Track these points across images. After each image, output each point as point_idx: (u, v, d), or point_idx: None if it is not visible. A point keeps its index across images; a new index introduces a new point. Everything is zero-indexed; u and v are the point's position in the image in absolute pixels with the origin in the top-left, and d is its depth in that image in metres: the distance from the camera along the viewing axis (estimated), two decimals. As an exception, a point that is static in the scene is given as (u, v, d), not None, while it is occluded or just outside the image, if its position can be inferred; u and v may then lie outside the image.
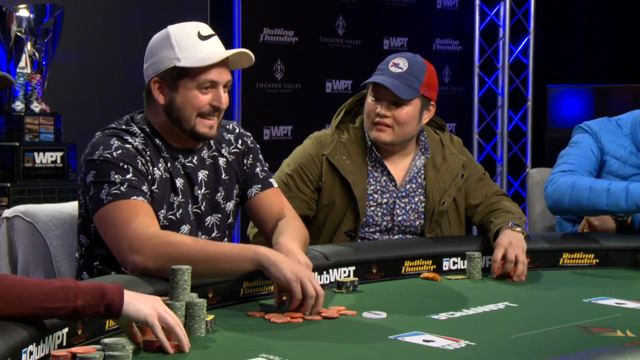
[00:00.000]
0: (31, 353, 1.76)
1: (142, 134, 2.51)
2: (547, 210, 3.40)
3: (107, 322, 2.02)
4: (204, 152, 2.60)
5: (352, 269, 2.73)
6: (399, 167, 3.17)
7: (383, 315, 2.32)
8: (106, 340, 1.81)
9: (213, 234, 2.59)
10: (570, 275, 3.01)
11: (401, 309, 2.45)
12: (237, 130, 2.71)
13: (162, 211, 2.47)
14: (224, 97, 2.50)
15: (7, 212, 2.76)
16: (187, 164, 2.55)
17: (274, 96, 6.12)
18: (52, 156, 4.99)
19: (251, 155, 2.69)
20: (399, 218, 3.14)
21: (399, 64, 3.06)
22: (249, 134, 2.73)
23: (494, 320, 2.34)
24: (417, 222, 3.17)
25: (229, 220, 2.64)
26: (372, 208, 3.13)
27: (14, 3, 5.16)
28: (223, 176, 2.62)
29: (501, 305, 2.49)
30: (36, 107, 5.04)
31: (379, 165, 3.15)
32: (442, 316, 2.33)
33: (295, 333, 2.15)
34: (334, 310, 2.32)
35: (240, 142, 2.69)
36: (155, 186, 2.46)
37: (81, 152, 2.50)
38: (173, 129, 2.52)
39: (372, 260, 2.79)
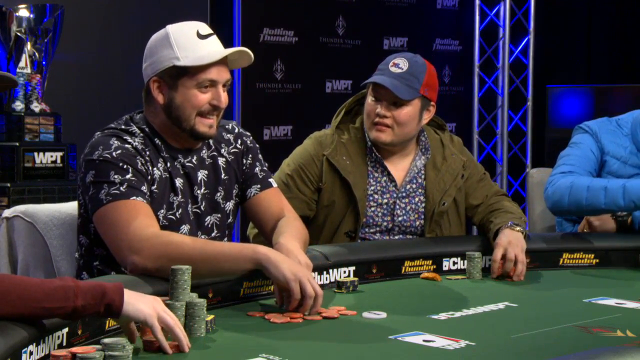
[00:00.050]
0: (31, 353, 1.76)
1: (141, 134, 2.51)
2: (547, 210, 3.40)
3: (107, 322, 2.02)
4: (204, 152, 2.60)
5: (352, 269, 2.73)
6: (399, 168, 3.17)
7: (383, 315, 2.32)
8: (106, 340, 1.81)
9: (213, 234, 2.59)
10: (570, 275, 3.01)
11: (401, 309, 2.45)
12: (236, 130, 2.70)
13: (162, 211, 2.47)
14: (224, 96, 2.50)
15: (7, 212, 2.76)
16: (187, 164, 2.55)
17: (274, 96, 6.12)
18: (52, 156, 4.99)
19: (250, 155, 2.69)
20: (399, 218, 3.14)
21: (399, 64, 3.06)
22: (248, 133, 2.73)
23: (494, 320, 2.34)
24: (417, 223, 3.17)
25: (229, 220, 2.64)
26: (373, 208, 3.12)
27: (14, 3, 5.16)
28: (222, 176, 2.62)
29: (501, 305, 2.49)
30: (36, 107, 5.04)
31: (379, 166, 3.15)
32: (442, 316, 2.33)
33: (295, 333, 2.15)
34: (334, 310, 2.32)
35: (239, 141, 2.69)
36: (155, 186, 2.46)
37: (81, 152, 2.50)
38: (172, 129, 2.52)
39: (372, 260, 2.79)
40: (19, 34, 5.03)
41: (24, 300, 1.77)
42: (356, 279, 2.68)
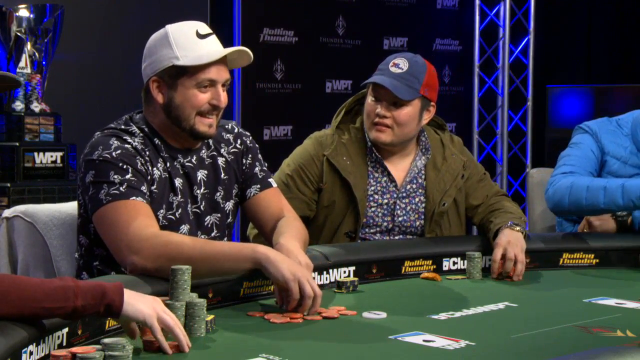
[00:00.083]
0: (31, 353, 1.76)
1: (141, 134, 2.51)
2: (547, 210, 3.40)
3: (107, 322, 2.02)
4: (203, 151, 2.60)
5: (352, 269, 2.73)
6: (399, 168, 3.17)
7: (383, 315, 2.32)
8: (106, 340, 1.81)
9: (212, 234, 2.59)
10: (570, 275, 3.01)
11: (401, 309, 2.45)
12: (236, 130, 2.70)
13: (162, 211, 2.47)
14: (223, 96, 2.50)
15: (7, 212, 2.76)
16: (186, 164, 2.55)
17: (274, 96, 6.12)
18: (52, 156, 4.99)
19: (250, 155, 2.69)
20: (400, 219, 3.14)
21: (399, 64, 3.05)
22: (248, 133, 2.73)
23: (494, 320, 2.34)
24: (418, 223, 3.16)
25: (228, 220, 2.64)
26: (373, 209, 3.12)
27: (14, 3, 5.16)
28: (222, 176, 2.62)
29: (501, 305, 2.49)
30: (36, 107, 5.04)
31: (379, 166, 3.15)
32: (442, 316, 2.33)
33: (295, 333, 2.15)
34: (334, 310, 2.32)
35: (239, 141, 2.69)
36: (155, 186, 2.46)
37: (81, 152, 2.50)
38: (172, 128, 2.52)
39: (372, 260, 2.79)
40: (19, 34, 5.03)
41: (23, 300, 1.77)
42: (356, 279, 2.68)
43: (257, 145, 2.74)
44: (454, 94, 7.22)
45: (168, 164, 2.51)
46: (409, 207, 3.15)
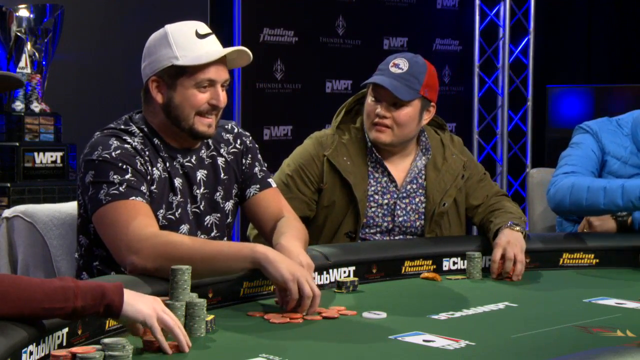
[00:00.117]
0: (31, 353, 1.76)
1: (140, 134, 2.51)
2: (547, 210, 3.40)
3: (107, 322, 2.02)
4: (203, 151, 2.60)
5: (352, 269, 2.73)
6: (399, 168, 3.16)
7: (383, 315, 2.32)
8: (106, 340, 1.81)
9: (212, 234, 2.59)
10: (570, 275, 3.01)
11: (401, 309, 2.45)
12: (235, 130, 2.70)
13: (161, 211, 2.47)
14: (222, 96, 2.50)
15: (7, 212, 2.76)
16: (186, 164, 2.55)
17: (274, 96, 6.12)
18: (52, 156, 4.99)
19: (250, 155, 2.69)
20: (400, 219, 3.14)
21: (399, 64, 3.05)
22: (247, 133, 2.73)
23: (494, 320, 2.34)
24: (418, 223, 3.16)
25: (228, 220, 2.64)
26: (373, 209, 3.12)
27: (14, 3, 5.16)
28: (222, 176, 2.62)
29: (501, 305, 2.49)
30: (36, 107, 5.04)
31: (379, 166, 3.14)
32: (442, 316, 2.33)
33: (295, 333, 2.15)
34: (334, 310, 2.32)
35: (239, 141, 2.69)
36: (154, 186, 2.46)
37: (81, 152, 2.50)
38: (171, 128, 2.52)
39: (372, 260, 2.79)
40: (19, 34, 5.03)
41: (23, 301, 1.77)
42: (356, 279, 2.68)
43: (256, 146, 2.74)
44: (454, 94, 7.22)
45: (167, 164, 2.51)
46: (409, 208, 3.15)
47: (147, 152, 2.48)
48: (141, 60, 2.54)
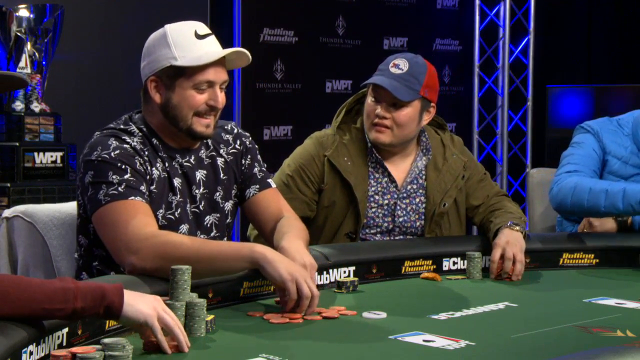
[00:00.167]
0: (31, 353, 1.76)
1: (140, 134, 2.51)
2: (547, 210, 3.40)
3: (107, 322, 2.02)
4: (202, 151, 2.60)
5: (352, 269, 2.73)
6: (400, 169, 3.16)
7: (383, 315, 2.32)
8: (106, 340, 1.81)
9: (212, 234, 2.59)
10: (570, 275, 3.01)
11: (401, 309, 2.45)
12: (235, 131, 2.70)
13: (161, 211, 2.47)
14: (221, 97, 2.50)
15: (7, 212, 2.76)
16: (185, 164, 2.55)
17: (274, 96, 6.12)
18: (52, 156, 4.99)
19: (249, 156, 2.69)
20: (400, 219, 3.14)
21: (399, 64, 3.05)
22: (247, 134, 2.73)
23: (494, 320, 2.34)
24: (418, 223, 3.16)
25: (228, 220, 2.64)
26: (373, 209, 3.12)
27: (14, 3, 5.16)
28: (221, 176, 2.62)
29: (501, 305, 2.49)
30: (36, 107, 5.04)
31: (379, 167, 3.14)
32: (442, 316, 2.33)
33: (295, 333, 2.15)
34: (334, 310, 2.32)
35: (238, 142, 2.69)
36: (154, 186, 2.46)
37: (81, 152, 2.50)
38: (170, 128, 2.52)
39: (372, 260, 2.79)
40: (19, 34, 5.03)
41: (23, 301, 1.77)
42: (356, 279, 2.68)
43: (256, 146, 2.74)
44: (454, 94, 7.22)
45: (167, 164, 2.51)
46: (409, 208, 3.15)
47: (146, 152, 2.48)
48: (141, 60, 2.54)
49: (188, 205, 2.54)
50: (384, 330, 2.17)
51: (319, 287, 2.44)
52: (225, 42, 2.52)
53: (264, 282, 2.43)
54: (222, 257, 2.29)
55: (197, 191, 2.56)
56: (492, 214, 3.10)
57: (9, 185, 4.81)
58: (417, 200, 3.16)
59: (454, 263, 2.97)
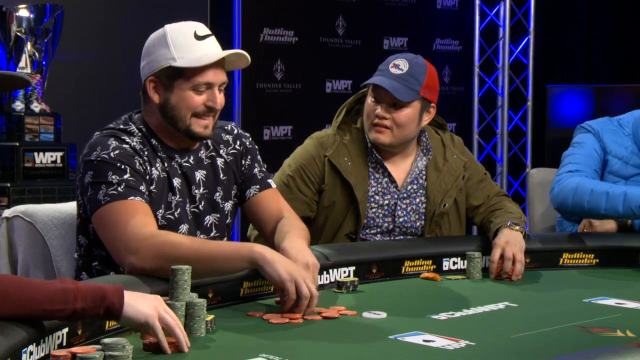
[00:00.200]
0: (31, 353, 1.76)
1: (139, 134, 2.51)
2: (548, 210, 3.40)
3: (107, 322, 2.02)
4: (202, 152, 2.60)
5: (352, 269, 2.73)
6: (400, 169, 3.16)
7: (383, 315, 2.32)
8: (106, 340, 1.81)
9: (212, 234, 2.59)
10: (570, 275, 3.01)
11: (401, 309, 2.45)
12: (235, 131, 2.70)
13: (160, 211, 2.47)
14: (219, 98, 2.50)
15: (7, 212, 2.76)
16: (184, 164, 2.55)
17: (274, 96, 6.12)
18: (52, 156, 4.99)
19: (249, 156, 2.69)
20: (400, 219, 3.14)
21: (400, 65, 3.05)
22: (247, 135, 2.73)
23: (494, 320, 2.34)
24: (418, 224, 3.16)
25: (228, 220, 2.64)
26: (373, 210, 3.12)
27: (14, 3, 5.16)
28: (221, 176, 2.62)
29: (501, 305, 2.49)
30: (36, 107, 5.04)
31: (379, 167, 3.14)
32: (442, 316, 2.33)
33: (295, 333, 2.15)
34: (334, 310, 2.32)
35: (238, 143, 2.69)
36: (154, 186, 2.46)
37: (81, 152, 2.50)
38: (168, 129, 2.52)
39: (372, 260, 2.79)
40: (19, 34, 5.03)
41: (23, 302, 1.77)
42: (356, 279, 2.68)
43: (256, 147, 2.73)
44: (454, 94, 7.22)
45: (166, 164, 2.51)
46: (409, 208, 3.15)
47: (146, 152, 2.48)
48: (140, 59, 2.54)
49: (187, 205, 2.54)
50: (384, 330, 2.17)
51: (319, 287, 2.44)
52: (225, 42, 2.52)
53: (264, 282, 2.44)
54: (222, 257, 2.29)
55: (196, 191, 2.55)
56: (492, 214, 3.10)
57: (9, 185, 4.81)
58: (418, 200, 3.16)
59: (454, 263, 2.97)
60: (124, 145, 2.44)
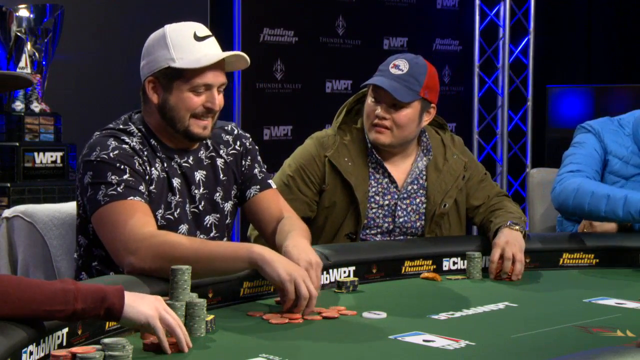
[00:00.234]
0: (31, 353, 1.76)
1: (139, 134, 2.51)
2: (548, 210, 3.40)
3: (107, 322, 2.02)
4: (201, 152, 2.60)
5: (352, 269, 2.73)
6: (400, 169, 3.16)
7: (383, 315, 2.32)
8: (106, 340, 1.81)
9: (212, 234, 2.59)
10: (570, 275, 3.01)
11: (401, 309, 2.45)
12: (235, 132, 2.70)
13: (160, 211, 2.47)
14: (218, 99, 2.49)
15: (7, 212, 2.76)
16: (183, 164, 2.55)
17: (274, 96, 6.12)
18: (52, 156, 4.99)
19: (249, 157, 2.69)
20: (401, 220, 3.14)
21: (400, 65, 3.04)
22: (247, 135, 2.73)
23: (494, 320, 2.34)
24: (418, 224, 3.16)
25: (228, 221, 2.64)
26: (374, 210, 3.12)
27: (14, 3, 5.16)
28: (221, 177, 2.62)
29: (501, 305, 2.49)
30: (36, 107, 5.04)
31: (380, 167, 3.14)
32: (442, 316, 2.33)
33: (295, 333, 2.15)
34: (334, 310, 2.32)
35: (238, 143, 2.68)
36: (153, 186, 2.46)
37: (81, 152, 2.50)
38: (168, 129, 2.52)
39: (372, 260, 2.79)
40: (19, 34, 5.03)
41: (23, 302, 1.76)
42: (356, 279, 2.68)
43: (256, 147, 2.73)
44: (454, 94, 7.22)
45: (165, 164, 2.51)
46: (409, 208, 3.15)
47: (145, 152, 2.48)
48: (140, 59, 2.54)
49: (187, 206, 2.54)
50: (384, 330, 2.17)
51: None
52: (225, 43, 2.52)
53: (264, 282, 2.43)
54: (221, 257, 2.29)
55: (196, 191, 2.55)
56: (492, 214, 3.10)
57: (9, 185, 4.81)
58: (418, 200, 3.16)
59: (454, 263, 2.97)
60: (124, 146, 2.44)
